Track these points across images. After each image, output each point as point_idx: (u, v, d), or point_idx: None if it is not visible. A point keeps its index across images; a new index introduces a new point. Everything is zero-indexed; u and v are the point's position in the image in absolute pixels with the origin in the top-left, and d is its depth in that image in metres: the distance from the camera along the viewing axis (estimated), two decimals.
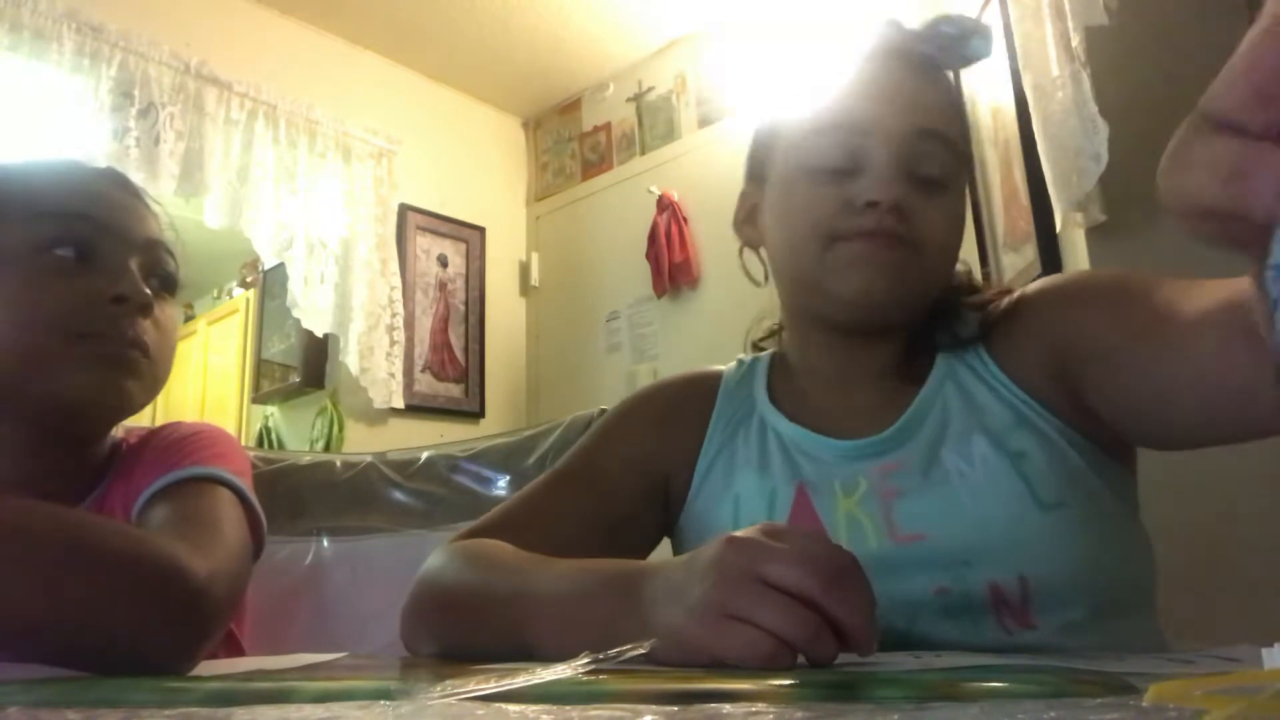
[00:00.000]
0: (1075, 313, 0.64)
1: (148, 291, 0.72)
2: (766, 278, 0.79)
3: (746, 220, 0.79)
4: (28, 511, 0.56)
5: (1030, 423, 0.65)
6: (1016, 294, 0.72)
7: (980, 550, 0.60)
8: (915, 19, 0.71)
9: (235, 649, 0.85)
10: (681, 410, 0.79)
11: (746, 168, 0.79)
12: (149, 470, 0.74)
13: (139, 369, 0.72)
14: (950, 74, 0.73)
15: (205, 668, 0.59)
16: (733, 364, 0.83)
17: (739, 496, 0.71)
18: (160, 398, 0.95)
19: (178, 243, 0.80)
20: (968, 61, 0.72)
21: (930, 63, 0.71)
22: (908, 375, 0.72)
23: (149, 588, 0.57)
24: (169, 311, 0.77)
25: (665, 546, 0.78)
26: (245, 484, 0.76)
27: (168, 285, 0.77)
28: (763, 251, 0.78)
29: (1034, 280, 0.76)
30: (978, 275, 0.79)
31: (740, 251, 0.80)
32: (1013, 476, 0.62)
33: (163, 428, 0.84)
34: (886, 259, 0.65)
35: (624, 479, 0.75)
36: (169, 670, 0.57)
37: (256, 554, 0.77)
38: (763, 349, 0.87)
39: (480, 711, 0.29)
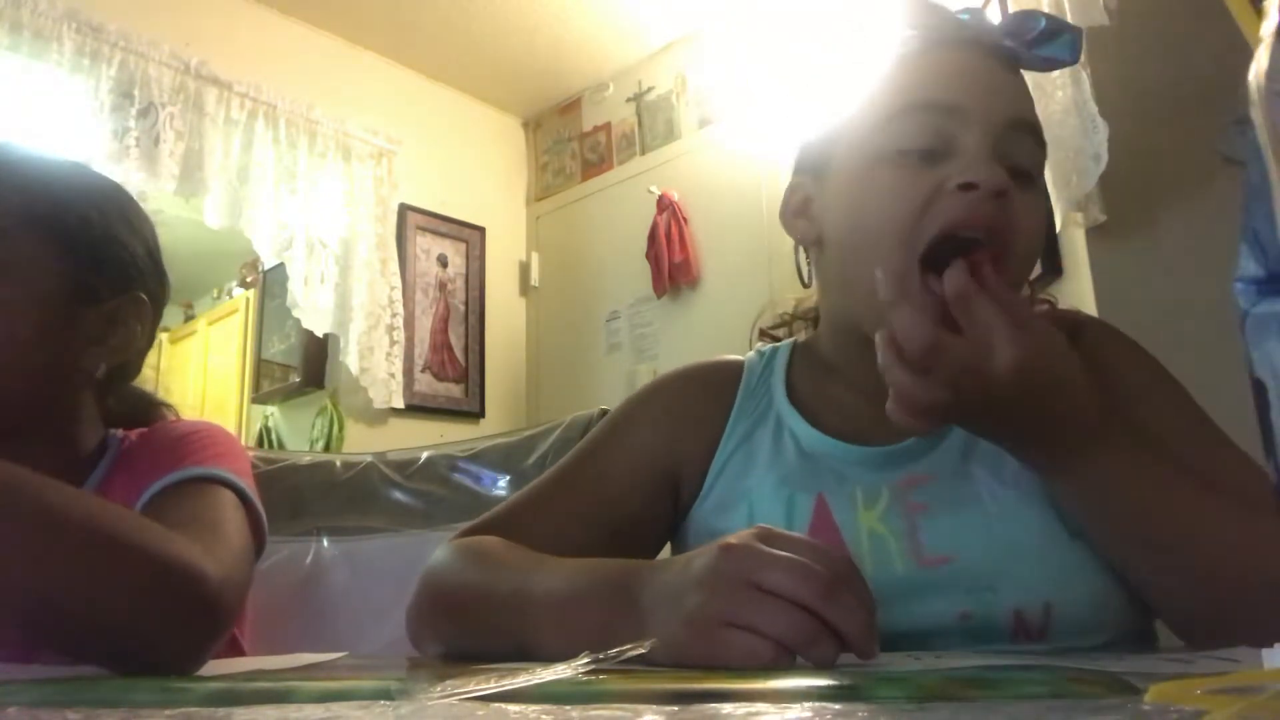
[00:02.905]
0: (1144, 394, 0.64)
1: None
2: (811, 279, 0.74)
3: (798, 213, 0.71)
4: (62, 492, 0.56)
5: None
6: (1075, 321, 0.69)
7: (1008, 576, 0.59)
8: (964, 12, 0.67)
9: (236, 649, 0.85)
10: (699, 404, 0.74)
11: (799, 158, 0.73)
12: (149, 470, 0.73)
13: None
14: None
15: (205, 668, 0.59)
16: (753, 354, 0.78)
17: (753, 503, 0.68)
18: (165, 398, 0.94)
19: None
20: (1051, 64, 0.66)
21: (1014, 58, 0.65)
22: None
23: (170, 588, 0.57)
24: None
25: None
26: (246, 484, 0.75)
27: None
28: (801, 253, 0.74)
29: (1036, 273, 0.76)
30: None
31: (795, 249, 0.75)
32: (1044, 501, 0.60)
33: (161, 426, 0.84)
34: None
35: (630, 478, 0.72)
36: (178, 671, 0.57)
37: (258, 554, 0.77)
38: (774, 337, 0.83)
39: (480, 712, 0.29)
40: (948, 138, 0.61)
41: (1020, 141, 0.62)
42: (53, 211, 0.73)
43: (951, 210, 0.58)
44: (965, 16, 0.66)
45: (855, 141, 0.66)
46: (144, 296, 0.79)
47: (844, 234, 0.66)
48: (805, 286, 0.76)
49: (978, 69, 0.63)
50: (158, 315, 0.83)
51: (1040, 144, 0.64)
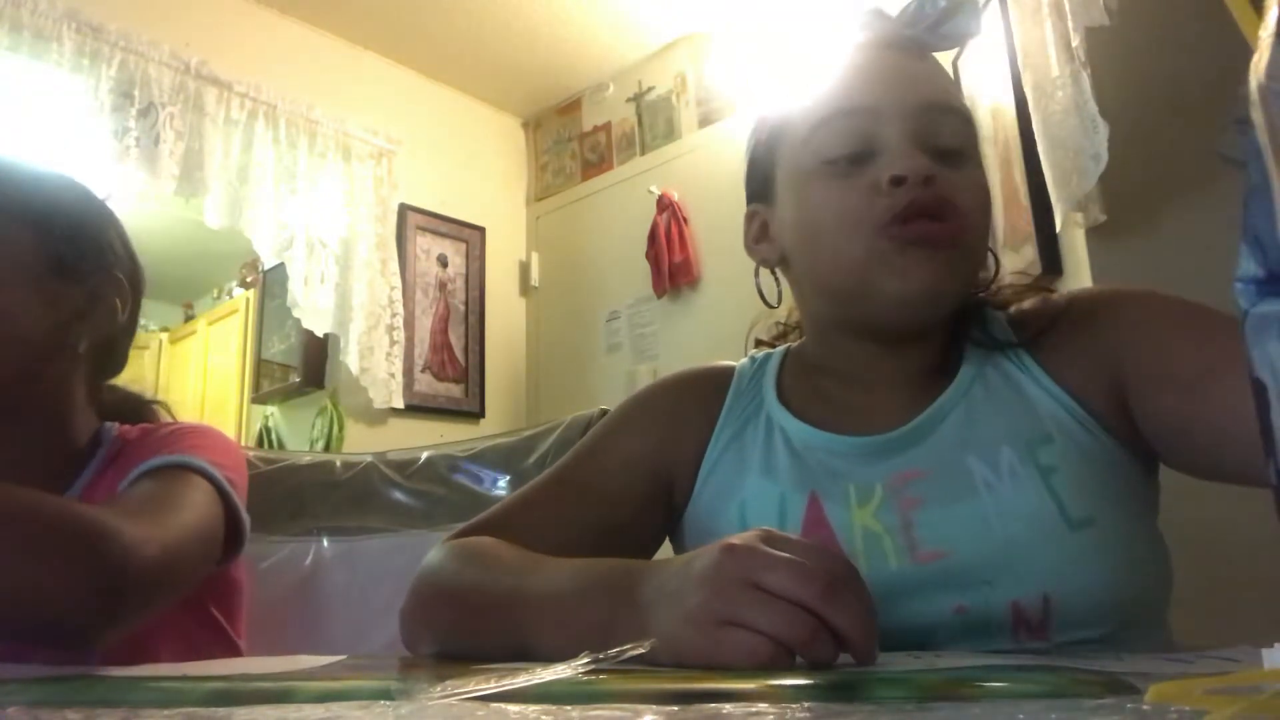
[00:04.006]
0: (1145, 332, 0.62)
1: None
2: (780, 298, 0.76)
3: (759, 239, 0.74)
4: None
5: (1067, 434, 0.62)
6: (1065, 298, 0.69)
7: (1004, 569, 0.58)
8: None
9: (233, 650, 0.85)
10: (689, 407, 0.75)
11: (748, 187, 0.76)
12: (136, 462, 0.75)
13: None
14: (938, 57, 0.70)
15: (205, 668, 0.59)
16: (745, 360, 0.80)
17: (745, 502, 0.68)
18: (162, 397, 0.96)
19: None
20: (956, 41, 0.69)
21: (919, 45, 0.68)
22: (938, 373, 0.69)
23: (71, 547, 0.57)
24: None
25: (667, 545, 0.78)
26: (223, 474, 0.76)
27: None
28: (776, 271, 0.75)
29: (1036, 273, 0.75)
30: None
31: (756, 272, 0.76)
32: (1042, 492, 0.60)
33: (160, 424, 0.85)
34: (937, 251, 0.61)
35: (624, 481, 0.72)
36: (89, 636, 0.57)
37: (237, 548, 0.78)
38: (771, 345, 0.84)
39: (480, 712, 0.29)
40: (868, 138, 0.63)
41: (941, 123, 0.64)
42: (27, 196, 0.77)
43: (890, 208, 0.61)
44: (864, 18, 0.69)
45: (787, 161, 0.69)
46: (121, 276, 0.82)
47: (800, 247, 0.69)
48: (772, 307, 0.77)
49: (885, 65, 0.66)
50: (136, 300, 0.85)
51: (964, 120, 0.66)
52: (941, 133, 0.64)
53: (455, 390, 3.14)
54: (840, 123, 0.64)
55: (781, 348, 0.80)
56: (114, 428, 0.84)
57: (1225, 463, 0.57)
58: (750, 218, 0.76)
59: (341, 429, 2.86)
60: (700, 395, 0.76)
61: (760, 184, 0.74)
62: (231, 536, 0.77)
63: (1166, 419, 0.60)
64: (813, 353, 0.75)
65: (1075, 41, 1.51)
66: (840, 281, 0.65)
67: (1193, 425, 0.58)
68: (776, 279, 0.76)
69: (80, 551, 0.58)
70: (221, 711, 0.32)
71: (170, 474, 0.73)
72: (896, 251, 0.61)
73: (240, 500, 0.77)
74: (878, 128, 0.63)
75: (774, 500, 0.67)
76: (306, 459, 1.16)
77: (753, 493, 0.68)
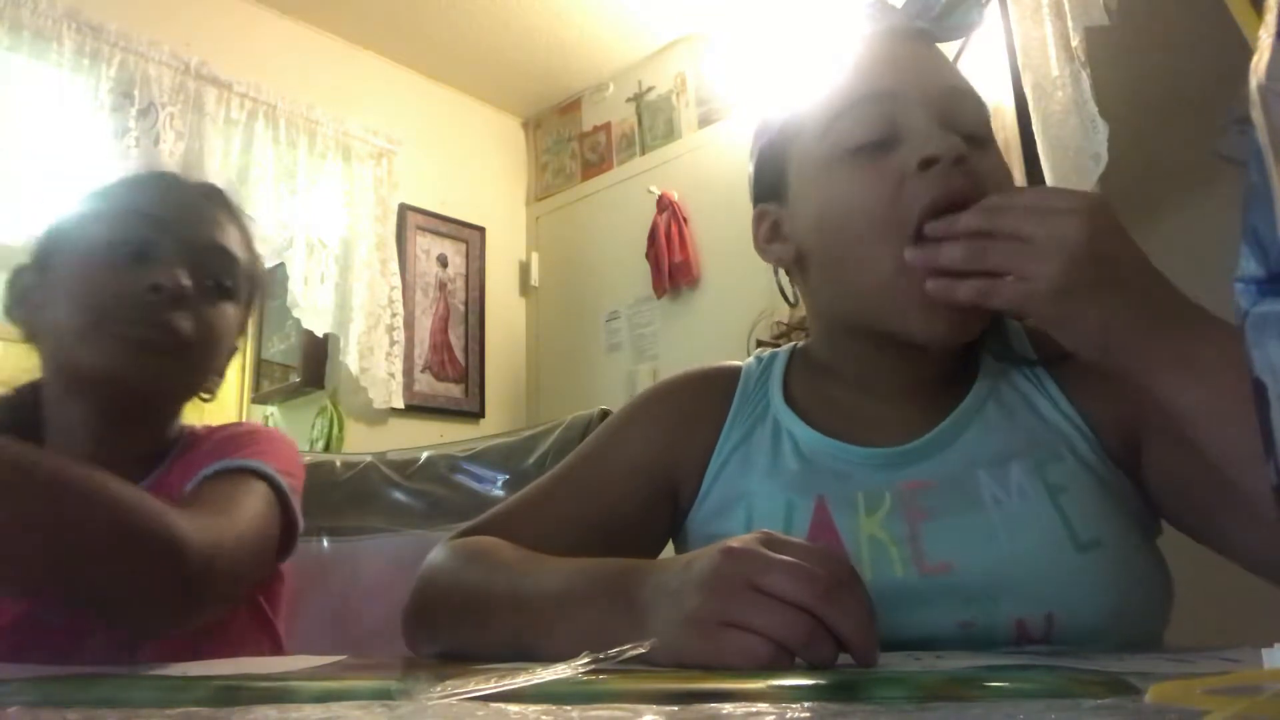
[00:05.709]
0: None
1: (186, 284, 0.75)
2: (796, 298, 0.75)
3: (771, 239, 0.72)
4: (39, 460, 0.59)
5: (1077, 454, 0.62)
6: None
7: (1009, 586, 0.58)
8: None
9: (274, 637, 0.86)
10: (695, 410, 0.74)
11: (756, 187, 0.74)
12: (202, 461, 0.77)
13: (166, 352, 0.76)
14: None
15: (206, 668, 0.59)
16: (751, 360, 0.79)
17: (751, 506, 0.67)
18: None
19: (256, 260, 0.87)
20: (960, 31, 0.69)
21: (927, 36, 0.68)
22: (953, 382, 0.68)
23: (145, 554, 0.60)
24: (220, 310, 0.81)
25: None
26: (285, 481, 0.78)
27: (223, 290, 0.81)
28: (782, 274, 0.75)
29: None
30: None
31: (775, 271, 0.75)
32: (1050, 510, 0.59)
33: (225, 425, 0.90)
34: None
35: (629, 483, 0.72)
36: (152, 627, 0.63)
37: (289, 548, 0.80)
38: (774, 345, 0.83)
39: (480, 712, 0.29)
40: (892, 122, 0.62)
41: (961, 108, 0.64)
42: (253, 243, 0.87)
43: (923, 193, 0.59)
44: (870, 9, 0.69)
45: (804, 155, 0.67)
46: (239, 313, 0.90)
47: (823, 245, 0.67)
48: (792, 306, 0.76)
49: (901, 52, 0.66)
50: None
51: (981, 104, 0.66)
52: (963, 116, 0.63)
53: (455, 390, 3.14)
54: (863, 109, 0.63)
55: (787, 347, 0.79)
56: (186, 425, 0.88)
57: (1210, 530, 0.60)
58: (759, 218, 0.74)
59: (341, 429, 2.86)
60: (707, 397, 0.75)
61: (771, 183, 0.72)
62: (285, 536, 0.79)
63: (1169, 473, 0.61)
64: (821, 355, 0.74)
65: (1075, 41, 1.52)
66: (866, 284, 0.63)
67: (1193, 487, 0.59)
68: (791, 279, 0.75)
69: (153, 559, 0.60)
70: (221, 712, 0.32)
71: (237, 480, 0.75)
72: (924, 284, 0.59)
73: (298, 504, 0.80)
74: (901, 112, 0.62)
75: (780, 504, 0.66)
76: (306, 459, 1.16)
77: (759, 496, 0.68)
